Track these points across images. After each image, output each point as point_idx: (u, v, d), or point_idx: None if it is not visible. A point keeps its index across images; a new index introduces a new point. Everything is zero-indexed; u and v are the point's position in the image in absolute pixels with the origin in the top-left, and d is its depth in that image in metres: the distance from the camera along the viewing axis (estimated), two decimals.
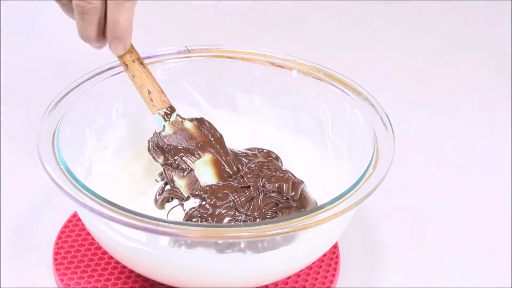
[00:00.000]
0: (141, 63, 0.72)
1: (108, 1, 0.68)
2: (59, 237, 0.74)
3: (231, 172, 0.72)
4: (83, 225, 0.74)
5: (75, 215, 0.76)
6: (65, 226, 0.75)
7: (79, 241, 0.74)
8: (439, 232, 0.79)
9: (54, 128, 0.69)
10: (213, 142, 0.73)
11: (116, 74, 0.75)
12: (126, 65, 0.72)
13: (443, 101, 0.96)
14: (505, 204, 0.82)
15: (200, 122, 0.74)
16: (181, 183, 0.72)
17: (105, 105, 0.76)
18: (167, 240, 0.64)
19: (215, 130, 0.74)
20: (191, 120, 0.74)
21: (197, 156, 0.72)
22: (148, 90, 0.72)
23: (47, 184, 0.66)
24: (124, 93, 0.76)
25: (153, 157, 0.73)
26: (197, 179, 0.72)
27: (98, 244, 0.72)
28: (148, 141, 0.74)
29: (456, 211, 0.81)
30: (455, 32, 1.07)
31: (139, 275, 0.71)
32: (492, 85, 0.99)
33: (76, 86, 0.73)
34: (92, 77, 0.74)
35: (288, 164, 0.77)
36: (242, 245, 0.64)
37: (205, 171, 0.72)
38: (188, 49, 0.72)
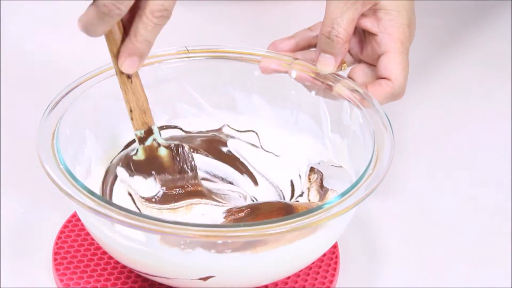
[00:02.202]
0: (129, 77, 0.69)
1: (142, 16, 0.65)
2: (58, 237, 0.74)
3: None
4: (82, 225, 0.74)
5: (74, 215, 0.76)
6: (65, 226, 0.75)
7: (78, 241, 0.74)
8: (439, 232, 0.79)
9: (53, 128, 0.69)
10: (184, 175, 0.72)
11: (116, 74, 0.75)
12: (117, 74, 0.69)
13: (443, 101, 0.96)
14: (506, 204, 0.82)
15: (177, 150, 0.73)
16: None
17: (105, 105, 0.76)
18: (166, 240, 0.64)
19: (191, 162, 0.73)
20: (167, 146, 0.72)
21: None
22: (130, 108, 0.71)
23: (47, 184, 0.66)
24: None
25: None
26: None
27: (97, 244, 0.72)
28: (120, 158, 0.73)
29: (456, 211, 0.81)
30: (455, 31, 1.07)
31: (138, 275, 0.71)
32: (493, 85, 0.98)
33: (76, 86, 0.73)
34: (92, 77, 0.74)
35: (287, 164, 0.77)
36: (242, 245, 0.64)
37: None
38: (187, 49, 0.72)
